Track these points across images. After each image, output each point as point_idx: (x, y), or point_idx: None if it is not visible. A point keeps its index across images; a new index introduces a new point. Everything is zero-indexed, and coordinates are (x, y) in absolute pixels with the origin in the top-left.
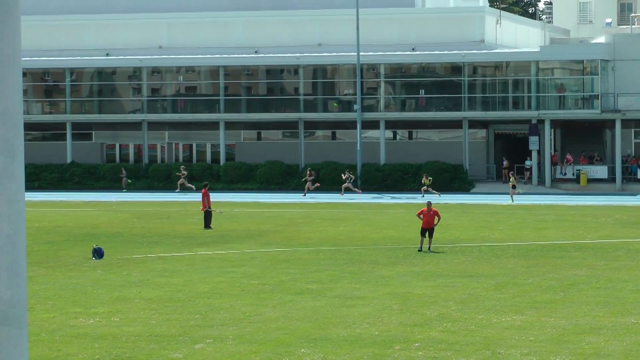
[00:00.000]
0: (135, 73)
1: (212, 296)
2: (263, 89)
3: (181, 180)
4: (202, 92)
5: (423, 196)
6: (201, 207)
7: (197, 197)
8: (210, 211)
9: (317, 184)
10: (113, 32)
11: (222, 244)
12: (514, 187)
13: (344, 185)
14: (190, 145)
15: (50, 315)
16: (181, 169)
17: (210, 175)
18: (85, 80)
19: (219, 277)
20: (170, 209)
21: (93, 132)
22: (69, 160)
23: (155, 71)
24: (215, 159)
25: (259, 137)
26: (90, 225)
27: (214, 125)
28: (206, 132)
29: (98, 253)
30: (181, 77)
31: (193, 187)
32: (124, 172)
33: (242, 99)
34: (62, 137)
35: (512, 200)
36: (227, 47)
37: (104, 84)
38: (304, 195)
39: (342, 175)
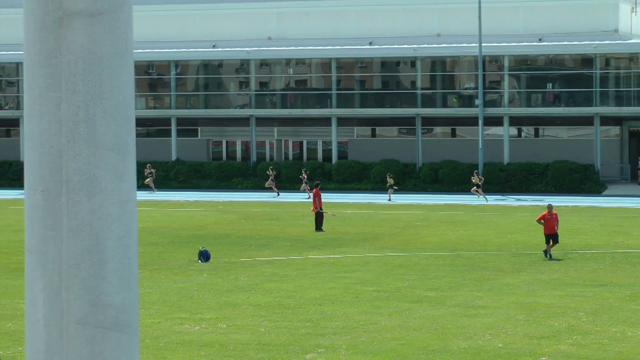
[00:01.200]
0: (242, 66)
1: (324, 303)
2: (378, 83)
3: (148, 180)
4: (313, 86)
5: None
6: (312, 208)
7: (300, 197)
8: (322, 212)
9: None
10: (220, 22)
11: (335, 247)
12: (478, 186)
13: (302, 187)
14: (301, 143)
15: (155, 321)
16: (148, 167)
17: (322, 174)
18: (191, 73)
19: (331, 282)
20: (279, 210)
21: (199, 128)
22: (173, 157)
23: (264, 64)
24: (327, 157)
25: (373, 134)
26: (196, 227)
27: (325, 121)
28: (317, 129)
29: (204, 256)
30: (291, 70)
31: (154, 188)
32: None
33: (355, 93)
34: (167, 133)
35: (487, 199)
36: (340, 38)
37: (210, 78)
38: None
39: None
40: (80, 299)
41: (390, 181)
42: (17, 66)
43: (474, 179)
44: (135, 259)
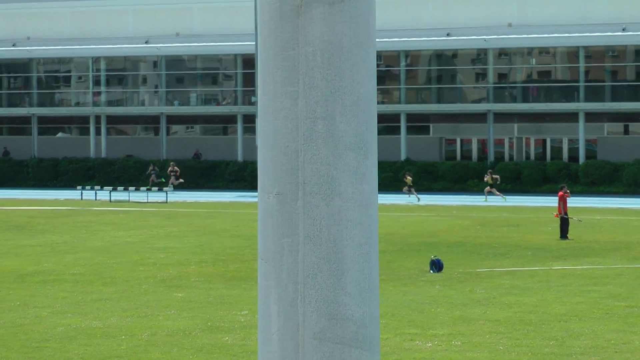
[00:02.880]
0: (479, 56)
1: (570, 319)
2: (632, 74)
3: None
4: (557, 77)
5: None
6: (556, 214)
7: (541, 202)
8: (567, 218)
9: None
10: (454, 8)
11: (582, 257)
12: (491, 186)
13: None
14: (544, 141)
15: (383, 336)
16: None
17: (567, 175)
18: (422, 64)
19: (578, 296)
20: (519, 216)
21: (430, 125)
22: (402, 157)
23: (503, 53)
24: (573, 156)
25: (626, 131)
26: (427, 233)
27: (571, 116)
28: (562, 125)
29: (437, 265)
30: (533, 59)
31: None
32: (152, 168)
33: (606, 85)
34: (396, 130)
35: (504, 198)
36: (589, 24)
37: (444, 69)
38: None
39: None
40: (318, 311)
41: (408, 181)
42: (235, 58)
43: (487, 178)
44: (376, 268)
